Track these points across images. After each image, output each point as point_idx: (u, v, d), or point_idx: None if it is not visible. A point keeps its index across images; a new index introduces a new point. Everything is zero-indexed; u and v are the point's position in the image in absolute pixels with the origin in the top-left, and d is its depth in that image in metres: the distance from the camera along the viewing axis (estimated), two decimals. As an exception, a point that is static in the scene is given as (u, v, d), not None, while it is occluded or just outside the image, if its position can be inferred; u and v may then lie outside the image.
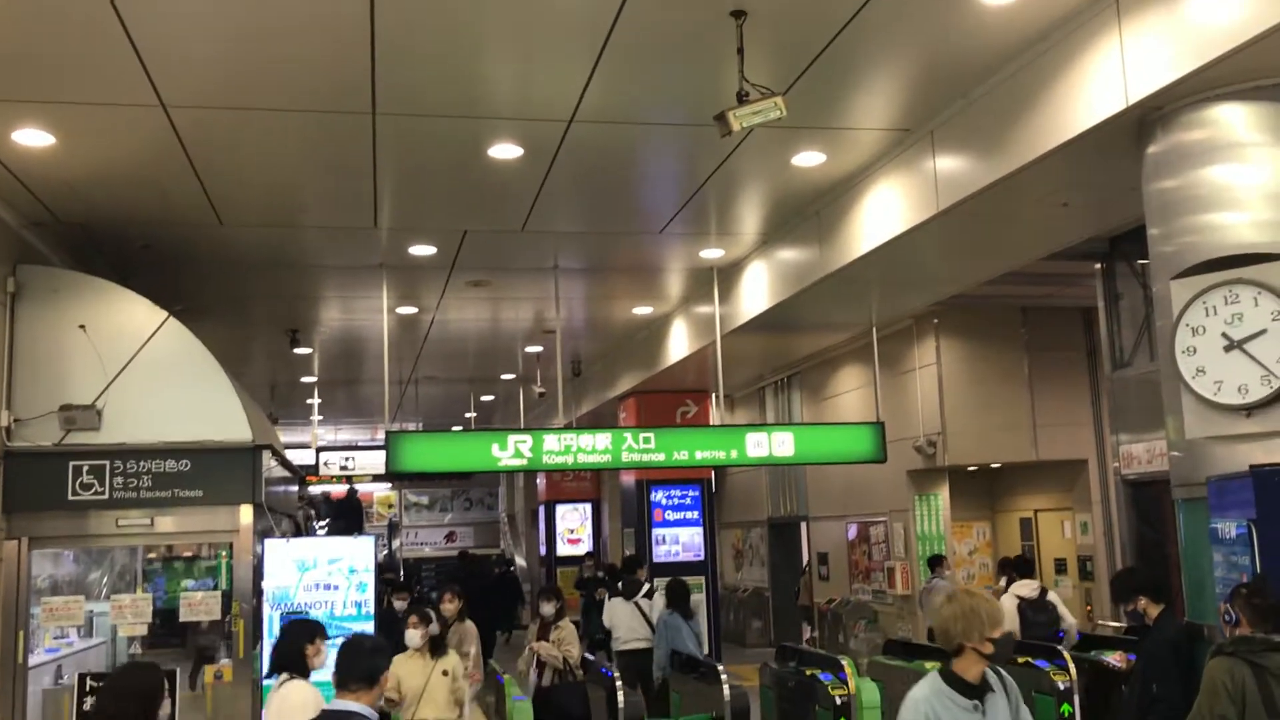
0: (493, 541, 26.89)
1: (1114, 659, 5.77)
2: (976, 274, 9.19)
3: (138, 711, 3.95)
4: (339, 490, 24.64)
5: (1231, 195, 5.13)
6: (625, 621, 10.06)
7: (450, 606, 8.59)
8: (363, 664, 4.02)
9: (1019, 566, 9.78)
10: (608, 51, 5.76)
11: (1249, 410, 4.86)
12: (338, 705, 3.98)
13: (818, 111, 6.70)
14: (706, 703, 8.31)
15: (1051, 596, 9.19)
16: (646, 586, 10.47)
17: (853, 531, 14.40)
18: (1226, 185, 5.16)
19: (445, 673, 6.94)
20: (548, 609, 9.25)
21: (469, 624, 8.74)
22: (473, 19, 5.38)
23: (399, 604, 10.03)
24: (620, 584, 10.74)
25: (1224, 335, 4.95)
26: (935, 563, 11.72)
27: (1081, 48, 5.55)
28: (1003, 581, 10.00)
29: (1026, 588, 9.21)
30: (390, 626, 8.68)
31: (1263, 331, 4.83)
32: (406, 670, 6.90)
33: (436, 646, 7.07)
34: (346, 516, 22.75)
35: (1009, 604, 8.94)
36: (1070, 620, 9.13)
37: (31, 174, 7.11)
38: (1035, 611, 8.91)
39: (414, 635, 7.00)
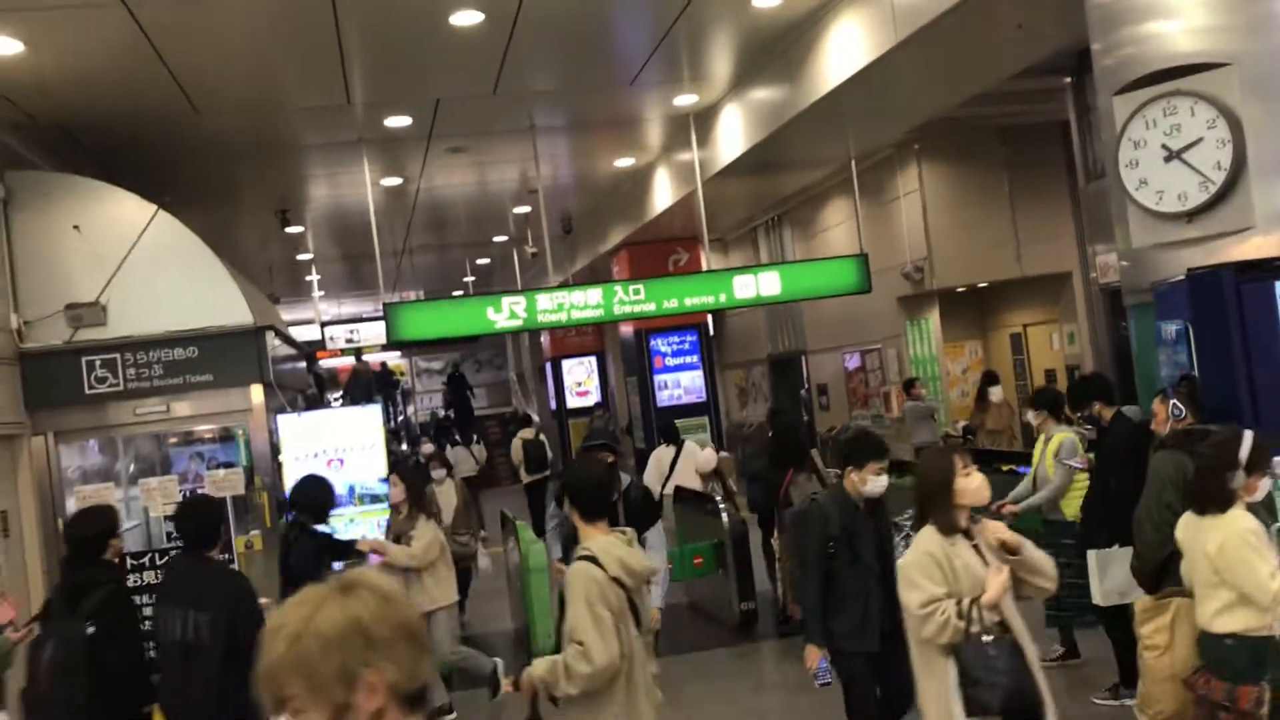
0: (505, 401, 27.37)
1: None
2: (946, 99, 9.27)
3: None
4: (374, 362, 25.14)
5: (1167, 3, 5.23)
6: (464, 458, 14.36)
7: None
8: None
9: (524, 420, 15.59)
10: (553, -89, 5.80)
11: (1189, 216, 5.08)
12: None
13: (770, -49, 6.73)
14: (709, 531, 8.82)
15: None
16: (474, 436, 16.76)
17: (850, 361, 14.78)
18: (1163, -8, 5.24)
19: None
20: None
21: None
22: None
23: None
24: (459, 436, 15.96)
25: (1164, 146, 5.12)
26: (909, 386, 12.16)
27: None
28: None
29: (530, 432, 13.96)
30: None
31: (1199, 140, 5.01)
32: None
33: None
34: (382, 390, 23.38)
35: (518, 444, 13.79)
36: None
37: (4, 80, 7.21)
38: (534, 448, 13.64)
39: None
